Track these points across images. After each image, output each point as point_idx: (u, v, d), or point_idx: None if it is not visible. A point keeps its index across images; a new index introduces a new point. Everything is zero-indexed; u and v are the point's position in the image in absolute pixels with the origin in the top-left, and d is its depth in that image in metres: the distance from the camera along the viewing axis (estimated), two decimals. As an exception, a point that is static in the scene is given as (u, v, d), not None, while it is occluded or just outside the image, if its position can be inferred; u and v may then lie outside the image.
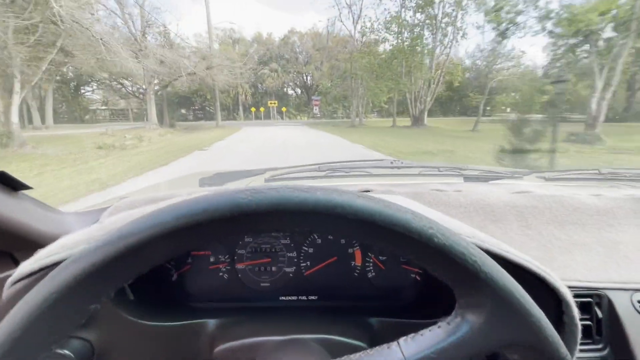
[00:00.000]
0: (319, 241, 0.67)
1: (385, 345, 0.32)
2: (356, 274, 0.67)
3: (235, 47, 35.62)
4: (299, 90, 42.02)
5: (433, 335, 0.32)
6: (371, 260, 0.66)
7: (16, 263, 0.59)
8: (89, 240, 0.40)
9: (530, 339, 0.31)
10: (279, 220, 0.27)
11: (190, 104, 34.94)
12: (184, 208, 0.26)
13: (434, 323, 0.33)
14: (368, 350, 0.32)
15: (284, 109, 37.18)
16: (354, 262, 0.66)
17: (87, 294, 0.27)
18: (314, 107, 31.41)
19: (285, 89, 40.60)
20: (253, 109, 36.42)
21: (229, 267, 0.65)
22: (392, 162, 1.10)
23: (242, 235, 0.32)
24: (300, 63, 38.80)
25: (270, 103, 36.55)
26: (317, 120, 32.47)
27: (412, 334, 0.33)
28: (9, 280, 0.42)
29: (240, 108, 36.79)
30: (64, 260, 0.36)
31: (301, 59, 39.26)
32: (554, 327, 0.31)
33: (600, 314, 0.57)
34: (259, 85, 38.28)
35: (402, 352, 0.31)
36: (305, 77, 40.45)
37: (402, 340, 0.32)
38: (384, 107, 30.09)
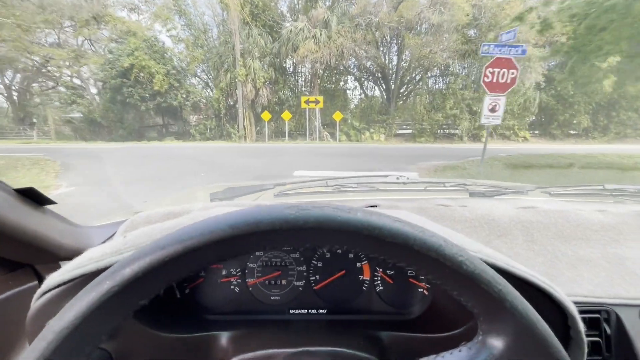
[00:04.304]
0: (328, 255, 0.68)
1: None
2: (365, 288, 0.68)
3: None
4: (370, 83, 20.41)
5: (454, 358, 0.33)
6: (379, 274, 0.68)
7: (37, 275, 0.63)
8: (114, 253, 0.43)
9: None
10: (322, 237, 0.29)
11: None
12: (240, 217, 0.28)
13: (443, 338, 0.36)
14: None
15: (337, 115, 16.01)
16: (362, 276, 0.68)
17: (142, 290, 0.28)
18: (489, 105, 5.00)
19: (343, 80, 19.46)
20: (267, 116, 16.01)
21: (239, 281, 0.67)
22: (398, 178, 1.13)
23: (286, 246, 0.37)
24: (378, 17, 17.27)
25: (306, 101, 15.81)
26: (429, 143, 10.77)
27: (433, 356, 0.34)
28: (38, 292, 0.43)
29: (241, 112, 16.44)
30: (92, 272, 0.41)
31: (384, 9, 17.74)
32: (561, 343, 0.32)
33: (609, 330, 0.57)
34: (288, 64, 17.78)
35: None
36: (386, 53, 18.87)
37: None
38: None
